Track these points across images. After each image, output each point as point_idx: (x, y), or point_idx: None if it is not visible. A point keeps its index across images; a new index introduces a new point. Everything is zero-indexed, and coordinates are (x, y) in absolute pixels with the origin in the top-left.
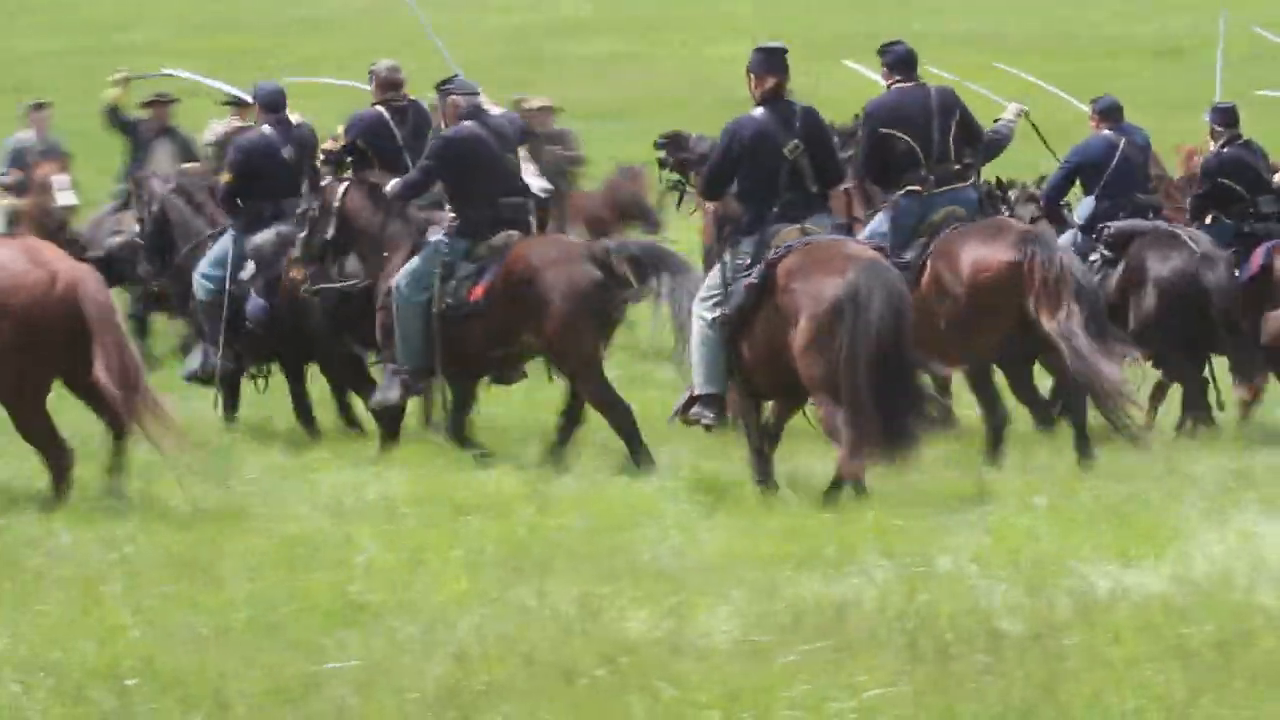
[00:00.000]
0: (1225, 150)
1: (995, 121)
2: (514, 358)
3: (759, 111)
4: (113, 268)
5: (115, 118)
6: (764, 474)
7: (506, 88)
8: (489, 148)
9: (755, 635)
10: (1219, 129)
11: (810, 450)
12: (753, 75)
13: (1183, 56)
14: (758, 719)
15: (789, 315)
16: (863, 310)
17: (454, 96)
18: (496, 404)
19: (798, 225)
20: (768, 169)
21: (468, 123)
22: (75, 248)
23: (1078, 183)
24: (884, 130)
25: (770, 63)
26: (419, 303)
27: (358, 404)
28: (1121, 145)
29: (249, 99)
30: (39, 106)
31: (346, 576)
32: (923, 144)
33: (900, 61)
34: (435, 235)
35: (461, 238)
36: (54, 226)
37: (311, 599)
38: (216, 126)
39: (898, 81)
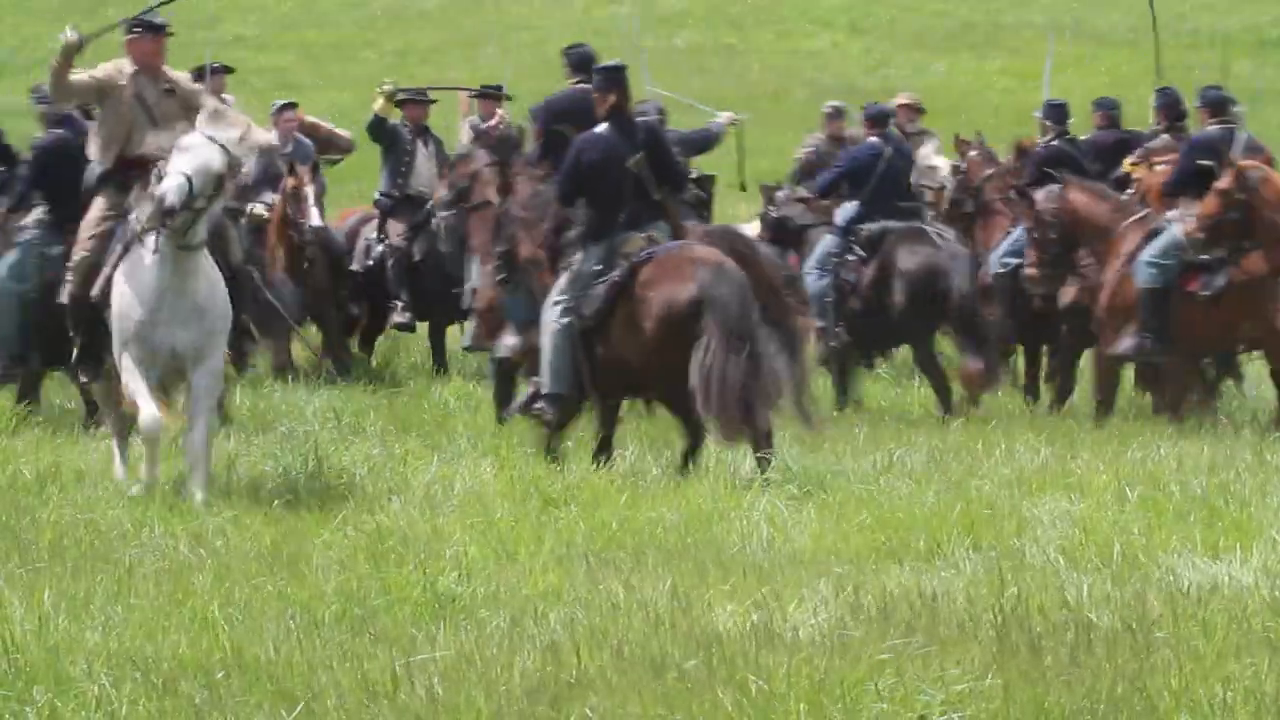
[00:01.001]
0: (1053, 143)
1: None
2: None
3: (604, 127)
4: (372, 283)
5: (382, 129)
6: (597, 455)
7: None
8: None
9: (844, 628)
10: (1049, 124)
11: (898, 440)
12: (597, 94)
13: (1265, 49)
14: (846, 712)
15: (644, 318)
16: (718, 309)
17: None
18: None
19: (644, 233)
20: (614, 180)
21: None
22: (319, 264)
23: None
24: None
25: (611, 81)
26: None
27: None
28: (886, 154)
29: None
30: (286, 107)
31: (436, 569)
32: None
33: (582, 62)
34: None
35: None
36: (300, 240)
37: (401, 592)
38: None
39: (579, 82)
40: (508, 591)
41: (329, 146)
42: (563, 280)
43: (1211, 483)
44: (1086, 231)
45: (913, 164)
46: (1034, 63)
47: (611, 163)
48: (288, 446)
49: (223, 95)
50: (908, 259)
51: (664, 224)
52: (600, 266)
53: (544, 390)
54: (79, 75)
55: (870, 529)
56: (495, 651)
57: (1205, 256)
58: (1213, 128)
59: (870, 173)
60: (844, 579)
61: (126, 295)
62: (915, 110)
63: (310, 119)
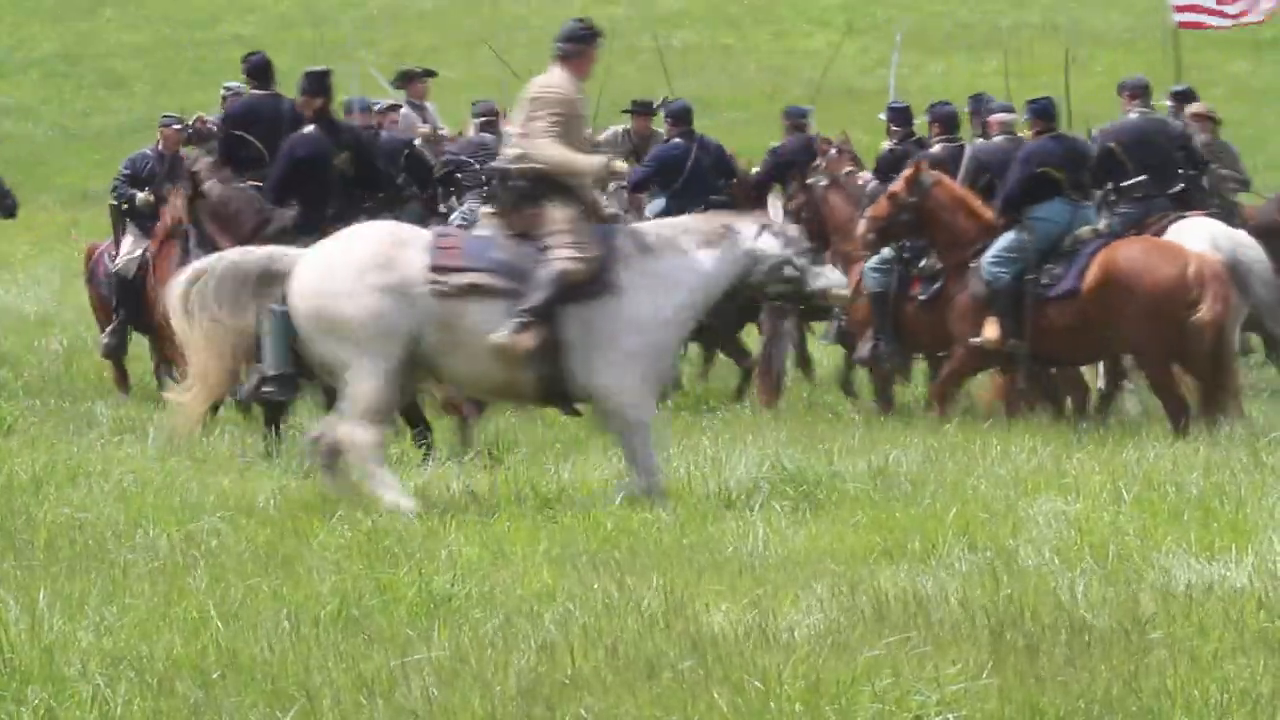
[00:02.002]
0: (897, 146)
1: None
2: None
3: (310, 129)
4: None
5: None
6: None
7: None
8: None
9: (839, 628)
10: (894, 128)
11: (893, 442)
12: (304, 96)
13: (1262, 50)
14: (841, 712)
15: None
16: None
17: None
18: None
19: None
20: (321, 178)
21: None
22: None
23: None
24: None
25: (317, 85)
26: None
27: None
28: (694, 151)
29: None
30: (391, 109)
31: (431, 569)
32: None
33: (258, 69)
34: None
35: None
36: None
37: (396, 592)
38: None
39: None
40: (503, 592)
41: None
42: None
43: (1207, 483)
44: (834, 232)
45: (724, 161)
46: (1031, 63)
47: (319, 162)
48: (282, 446)
49: (425, 102)
50: None
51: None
52: None
53: (268, 373)
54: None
55: (866, 529)
56: (490, 652)
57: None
58: (999, 138)
59: (679, 170)
60: (839, 579)
61: None
62: (1210, 120)
63: None
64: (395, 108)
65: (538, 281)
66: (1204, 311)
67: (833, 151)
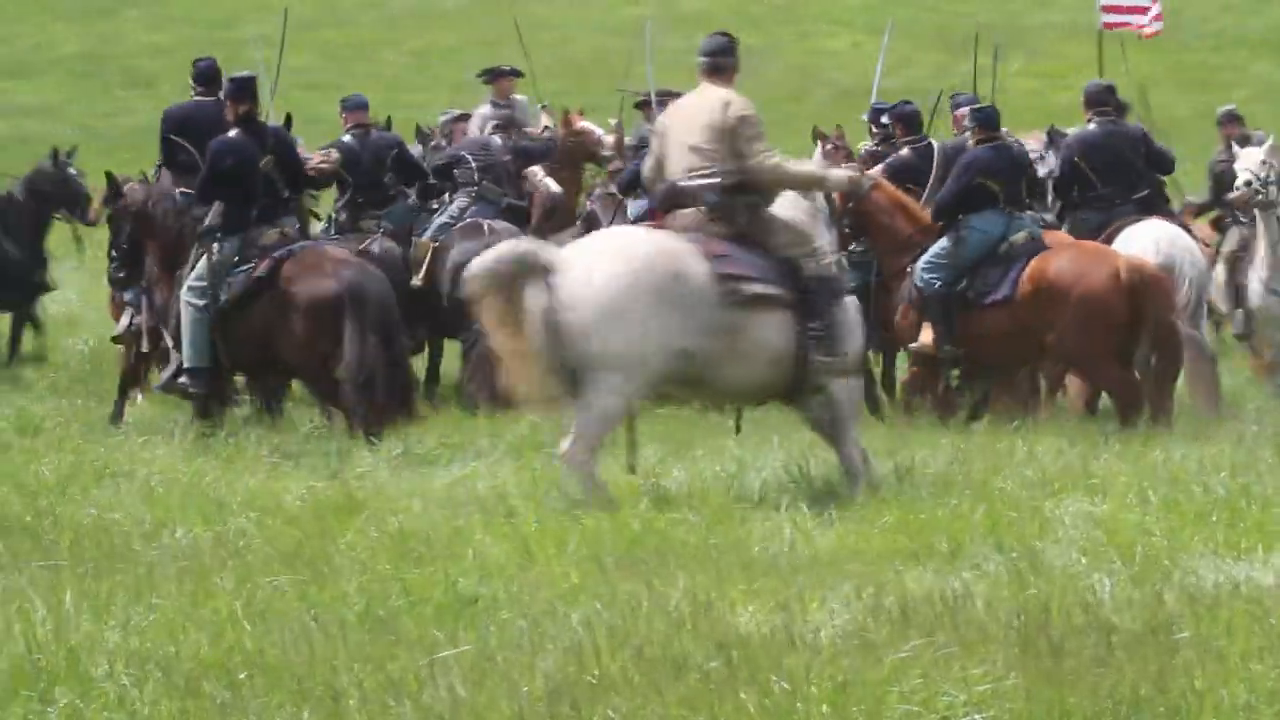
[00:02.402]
0: (876, 147)
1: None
2: None
3: (235, 132)
4: None
5: None
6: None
7: (615, 78)
8: None
9: (866, 629)
10: (875, 129)
11: (919, 443)
12: (229, 101)
13: None
14: (868, 713)
15: (288, 308)
16: (361, 304)
17: None
18: None
19: (277, 228)
20: (247, 179)
21: None
22: None
23: None
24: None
25: (243, 90)
26: None
27: None
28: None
29: None
30: (460, 119)
31: (458, 570)
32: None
33: (205, 75)
34: None
35: None
36: None
37: (423, 592)
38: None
39: (201, 93)
40: (529, 592)
41: None
42: (200, 267)
43: (1233, 484)
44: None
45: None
46: (1055, 64)
47: (245, 164)
48: (309, 447)
49: (513, 96)
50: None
51: (294, 219)
52: (238, 257)
53: (186, 365)
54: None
55: (892, 530)
56: (517, 652)
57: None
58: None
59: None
60: (866, 580)
61: None
62: (1241, 121)
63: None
64: (465, 117)
65: (825, 294)
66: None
67: (828, 146)
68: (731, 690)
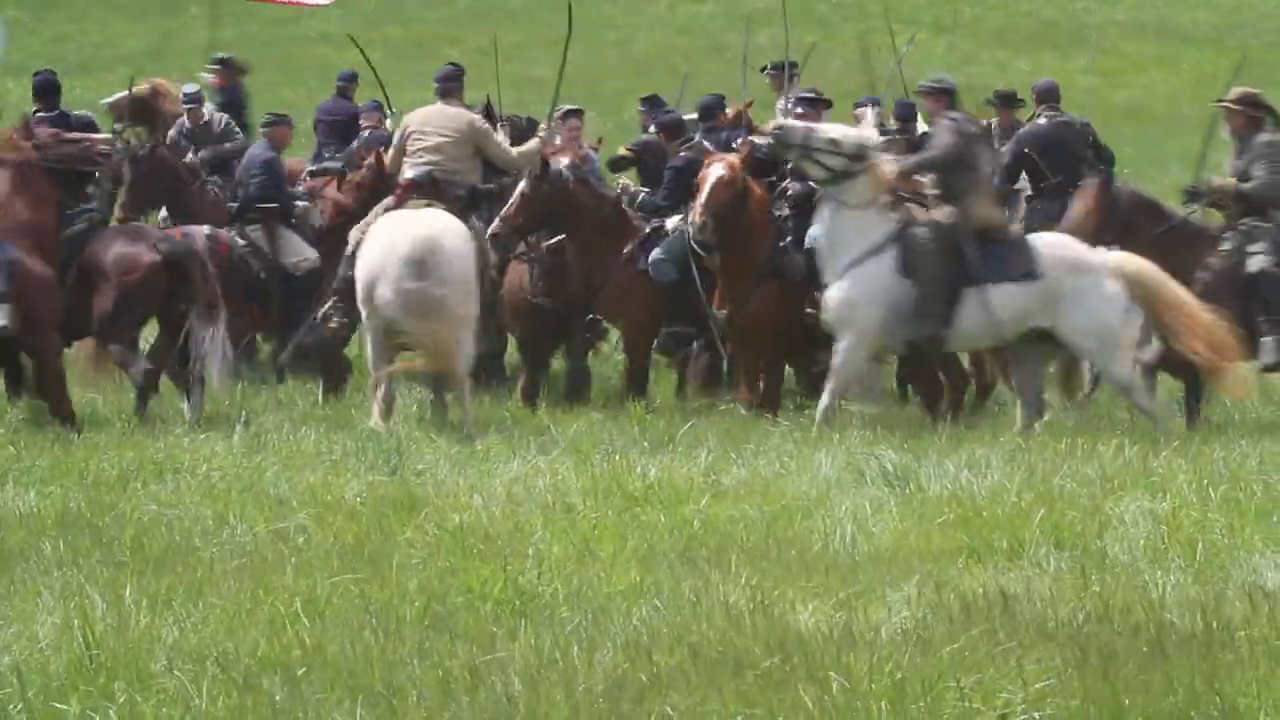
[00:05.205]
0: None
1: None
2: None
3: None
4: None
5: None
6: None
7: (676, 77)
8: None
9: (925, 626)
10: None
11: (979, 441)
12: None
13: None
14: (927, 710)
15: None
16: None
17: None
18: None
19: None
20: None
21: None
22: None
23: None
24: None
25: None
26: None
27: None
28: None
29: None
30: (571, 114)
31: (517, 567)
32: None
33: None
34: None
35: None
36: None
37: (481, 589)
38: None
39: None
40: (589, 590)
41: None
42: None
43: None
44: None
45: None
46: (1118, 61)
47: None
48: (370, 444)
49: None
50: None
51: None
52: None
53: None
54: None
55: (953, 528)
56: (575, 650)
57: None
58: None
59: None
60: (926, 578)
61: None
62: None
63: None
64: (577, 113)
65: None
66: None
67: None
68: (790, 687)
